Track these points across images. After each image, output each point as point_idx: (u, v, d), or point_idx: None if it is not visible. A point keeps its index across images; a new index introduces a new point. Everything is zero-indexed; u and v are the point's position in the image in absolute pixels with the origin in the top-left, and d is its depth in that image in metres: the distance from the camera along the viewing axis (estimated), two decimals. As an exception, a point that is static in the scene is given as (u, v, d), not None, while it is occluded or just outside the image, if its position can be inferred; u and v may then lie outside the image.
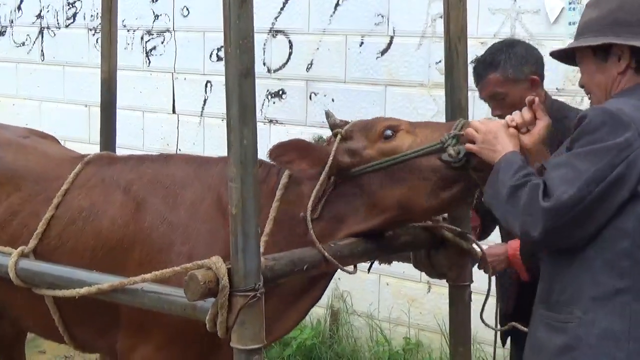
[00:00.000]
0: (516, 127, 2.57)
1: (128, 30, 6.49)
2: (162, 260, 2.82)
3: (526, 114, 2.59)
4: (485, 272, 3.06)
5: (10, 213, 3.19)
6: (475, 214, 3.28)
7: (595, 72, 2.51)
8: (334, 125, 2.88)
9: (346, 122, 2.89)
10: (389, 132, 2.75)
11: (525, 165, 2.43)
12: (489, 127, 2.56)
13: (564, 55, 2.65)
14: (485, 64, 3.36)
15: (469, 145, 2.57)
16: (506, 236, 3.43)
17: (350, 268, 2.82)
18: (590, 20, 2.53)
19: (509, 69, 3.30)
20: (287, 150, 2.76)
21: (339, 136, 2.80)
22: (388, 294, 5.32)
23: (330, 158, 2.74)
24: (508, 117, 2.60)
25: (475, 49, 4.72)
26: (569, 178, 2.26)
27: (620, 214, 2.29)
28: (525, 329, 2.71)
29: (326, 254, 2.64)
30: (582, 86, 2.62)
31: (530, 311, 2.55)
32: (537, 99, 2.61)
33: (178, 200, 2.96)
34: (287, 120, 5.65)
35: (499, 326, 3.24)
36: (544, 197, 2.26)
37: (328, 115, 2.91)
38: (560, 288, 2.39)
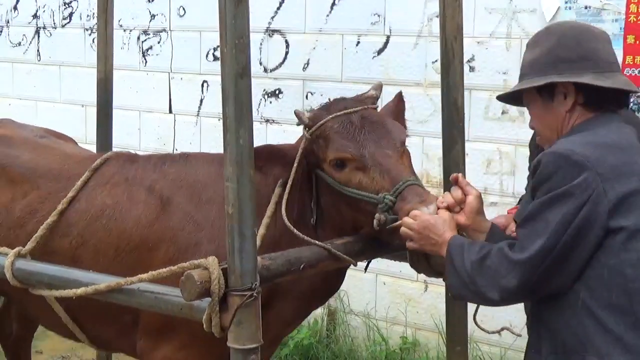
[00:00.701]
0: (448, 208, 2.57)
1: (124, 30, 6.48)
2: (188, 260, 2.81)
3: (455, 192, 2.60)
4: None
5: (30, 212, 3.20)
6: None
7: (543, 114, 2.49)
8: (303, 125, 2.90)
9: (315, 120, 2.87)
10: (339, 163, 2.78)
11: (473, 241, 2.45)
12: (421, 223, 2.53)
13: (511, 98, 2.64)
14: None
15: (409, 244, 2.58)
16: None
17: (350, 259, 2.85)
18: (532, 61, 2.50)
19: None
20: (258, 156, 2.76)
21: (304, 140, 2.85)
22: (385, 293, 5.32)
23: (296, 163, 2.83)
24: (439, 200, 2.59)
25: (471, 49, 4.73)
26: (538, 229, 2.25)
27: (602, 251, 2.26)
28: (518, 334, 2.69)
29: (332, 249, 2.70)
30: (532, 128, 2.60)
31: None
32: (460, 175, 2.63)
33: (202, 199, 2.99)
34: (284, 119, 5.64)
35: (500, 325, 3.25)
36: (516, 251, 2.27)
37: (298, 115, 2.92)
38: (565, 335, 2.32)
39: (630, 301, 2.25)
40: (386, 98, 5.20)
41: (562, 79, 2.41)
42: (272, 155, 2.88)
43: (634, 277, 2.25)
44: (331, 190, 2.82)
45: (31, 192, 3.25)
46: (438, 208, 2.57)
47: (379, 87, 3.05)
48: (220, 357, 2.86)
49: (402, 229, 2.57)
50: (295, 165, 2.83)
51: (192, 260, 2.38)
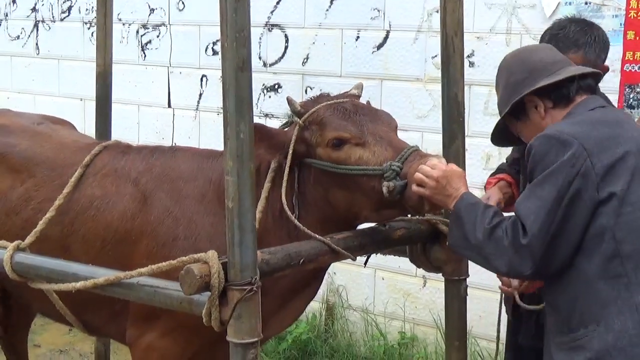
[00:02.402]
0: None
1: (123, 24, 6.47)
2: (166, 254, 2.85)
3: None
4: None
5: (25, 199, 3.25)
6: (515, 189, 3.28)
7: (529, 132, 2.69)
8: (295, 113, 2.88)
9: (306, 108, 2.88)
10: (337, 142, 2.77)
11: (487, 204, 2.59)
12: (441, 173, 2.59)
13: (507, 139, 2.89)
14: (567, 41, 3.18)
15: (419, 190, 2.61)
16: None
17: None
18: (500, 100, 2.77)
19: (592, 53, 3.18)
20: None
21: (297, 126, 2.82)
22: (383, 288, 5.32)
23: (290, 150, 2.78)
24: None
25: (471, 44, 4.73)
26: (535, 207, 2.40)
27: (596, 220, 2.41)
28: (530, 307, 2.91)
29: (333, 245, 2.68)
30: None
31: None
32: None
33: (182, 194, 3.00)
34: (283, 114, 5.61)
35: (500, 322, 3.26)
36: (522, 234, 2.40)
37: (289, 102, 2.91)
38: (569, 311, 2.47)
39: (623, 264, 2.40)
40: (385, 93, 5.24)
41: (519, 96, 2.64)
42: (261, 135, 2.77)
43: (623, 239, 2.40)
44: (322, 178, 2.80)
45: (27, 180, 3.29)
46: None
47: (360, 87, 3.07)
48: (202, 345, 2.95)
49: (418, 174, 2.60)
50: (290, 152, 2.79)
51: (192, 255, 2.38)
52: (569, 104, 2.63)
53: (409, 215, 2.95)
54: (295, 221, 2.74)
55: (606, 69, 3.25)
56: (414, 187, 2.61)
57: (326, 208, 2.83)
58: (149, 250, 2.95)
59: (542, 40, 3.27)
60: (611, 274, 2.40)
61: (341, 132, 2.76)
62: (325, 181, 2.81)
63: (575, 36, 3.19)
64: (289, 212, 2.76)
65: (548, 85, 2.62)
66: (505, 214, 2.57)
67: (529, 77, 2.65)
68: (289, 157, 2.79)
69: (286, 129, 2.90)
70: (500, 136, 2.89)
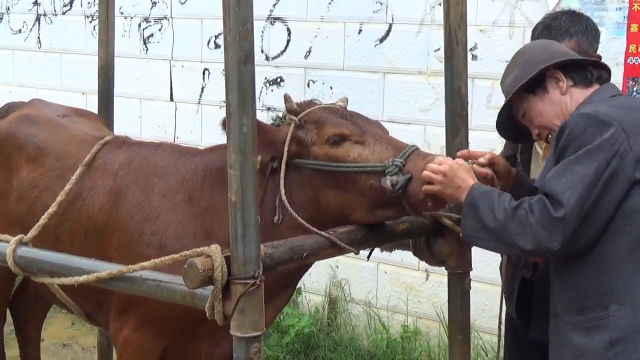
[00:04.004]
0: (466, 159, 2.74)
1: (125, 18, 6.47)
2: (133, 249, 2.91)
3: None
4: None
5: (32, 187, 3.35)
6: None
7: (544, 107, 2.70)
8: (290, 111, 2.86)
9: (302, 108, 2.86)
10: (337, 139, 2.75)
11: (501, 191, 2.58)
12: (448, 167, 2.60)
13: (507, 127, 2.88)
14: (560, 30, 3.20)
15: (428, 188, 2.61)
16: None
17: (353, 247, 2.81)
18: (513, 78, 2.74)
19: (585, 41, 3.20)
20: None
21: (293, 124, 2.79)
22: (386, 282, 5.32)
23: (286, 148, 2.75)
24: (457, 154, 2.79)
25: (473, 37, 4.71)
26: (571, 183, 2.39)
27: (627, 202, 2.43)
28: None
29: (337, 240, 2.66)
30: (538, 135, 2.78)
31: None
32: (468, 150, 2.86)
33: (155, 190, 3.02)
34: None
35: (503, 317, 3.26)
36: (555, 209, 2.38)
37: (286, 99, 2.89)
38: (587, 290, 2.49)
39: None
40: (388, 86, 5.23)
41: (547, 64, 2.66)
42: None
43: None
44: (314, 178, 2.76)
45: (37, 169, 3.38)
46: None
47: (345, 100, 3.03)
48: (174, 339, 2.98)
49: (426, 172, 2.61)
50: (285, 150, 2.76)
51: (195, 249, 2.37)
52: (588, 87, 2.68)
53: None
54: (299, 219, 2.69)
55: (599, 58, 3.26)
56: (426, 187, 2.61)
57: (313, 210, 2.78)
58: (119, 243, 3.00)
59: (534, 32, 3.28)
60: (638, 256, 2.44)
61: (342, 129, 2.75)
62: (317, 181, 2.77)
63: (567, 25, 3.22)
64: (291, 210, 2.71)
65: (573, 61, 2.69)
66: None
67: (551, 58, 2.70)
68: (285, 154, 2.76)
69: (280, 127, 2.88)
70: (504, 122, 2.89)
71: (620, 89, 4.27)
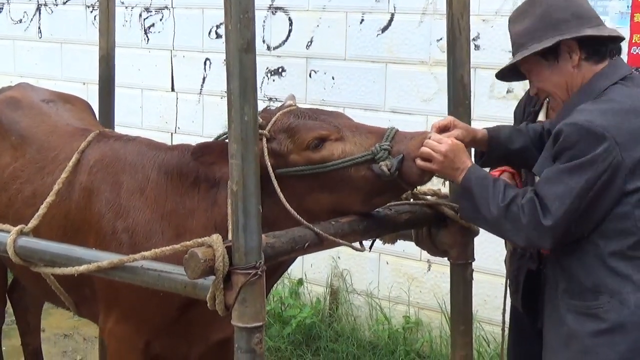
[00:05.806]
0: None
1: (126, 7, 6.44)
2: (105, 248, 2.88)
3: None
4: None
5: (13, 178, 3.31)
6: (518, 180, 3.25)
7: (550, 75, 2.64)
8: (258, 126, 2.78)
9: (266, 120, 2.74)
10: (316, 143, 2.68)
11: (495, 177, 2.62)
12: (448, 147, 2.59)
13: (509, 72, 2.78)
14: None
15: (428, 166, 2.60)
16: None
17: (357, 245, 2.78)
18: (527, 29, 2.64)
19: None
20: (211, 152, 2.70)
21: (264, 139, 2.68)
22: (388, 273, 5.31)
23: (268, 163, 2.61)
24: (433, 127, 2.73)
25: (476, 27, 4.69)
26: (561, 194, 2.43)
27: (619, 208, 2.46)
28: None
29: (321, 231, 2.60)
30: (535, 94, 2.76)
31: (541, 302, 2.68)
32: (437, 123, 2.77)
33: (123, 187, 3.00)
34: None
35: (508, 308, 3.26)
36: (544, 215, 2.43)
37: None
38: (582, 278, 2.53)
39: (635, 244, 2.47)
40: (390, 76, 5.21)
41: (567, 36, 2.56)
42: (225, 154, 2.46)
43: None
44: (297, 185, 2.68)
45: (19, 159, 3.35)
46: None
47: (292, 98, 2.98)
48: (152, 333, 2.98)
49: (425, 149, 2.60)
50: (268, 165, 2.61)
51: (196, 239, 2.36)
52: (599, 62, 2.61)
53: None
54: (305, 223, 2.60)
55: None
56: (420, 162, 2.60)
57: (306, 217, 2.63)
58: (96, 241, 2.97)
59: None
60: (629, 256, 2.47)
61: (319, 131, 2.69)
62: (301, 188, 2.70)
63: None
64: (298, 217, 2.58)
65: (594, 37, 2.58)
66: None
67: (573, 21, 2.58)
68: (270, 169, 2.62)
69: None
70: (507, 70, 2.79)
71: (624, 79, 4.26)
